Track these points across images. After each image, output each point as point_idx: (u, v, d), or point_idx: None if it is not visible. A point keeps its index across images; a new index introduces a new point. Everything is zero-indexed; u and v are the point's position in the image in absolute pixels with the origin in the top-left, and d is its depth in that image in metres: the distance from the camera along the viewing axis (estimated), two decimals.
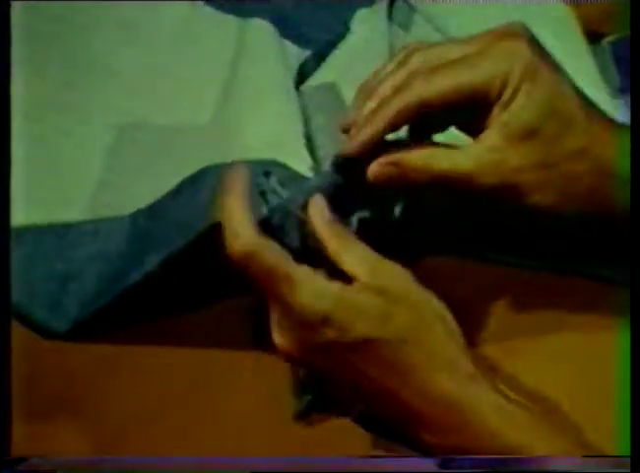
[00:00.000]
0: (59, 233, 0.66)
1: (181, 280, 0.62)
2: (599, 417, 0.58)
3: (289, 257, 0.53)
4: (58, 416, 0.58)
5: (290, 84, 0.73)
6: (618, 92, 0.78)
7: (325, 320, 0.52)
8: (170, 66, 0.78)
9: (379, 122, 0.54)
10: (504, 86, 0.53)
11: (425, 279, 0.55)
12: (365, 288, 0.53)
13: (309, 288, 0.52)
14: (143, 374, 0.61)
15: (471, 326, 0.62)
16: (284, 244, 0.54)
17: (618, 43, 0.82)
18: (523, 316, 0.65)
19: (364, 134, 0.55)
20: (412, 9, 0.86)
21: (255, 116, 0.69)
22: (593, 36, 0.82)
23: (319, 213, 0.56)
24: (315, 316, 0.52)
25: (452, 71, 0.54)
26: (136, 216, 0.65)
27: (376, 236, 0.56)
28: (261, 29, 0.77)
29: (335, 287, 0.53)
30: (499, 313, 0.65)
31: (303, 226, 0.56)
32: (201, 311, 0.64)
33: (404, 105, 0.54)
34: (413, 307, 0.53)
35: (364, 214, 0.58)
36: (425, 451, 0.54)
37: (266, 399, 0.59)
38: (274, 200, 0.56)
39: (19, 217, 0.64)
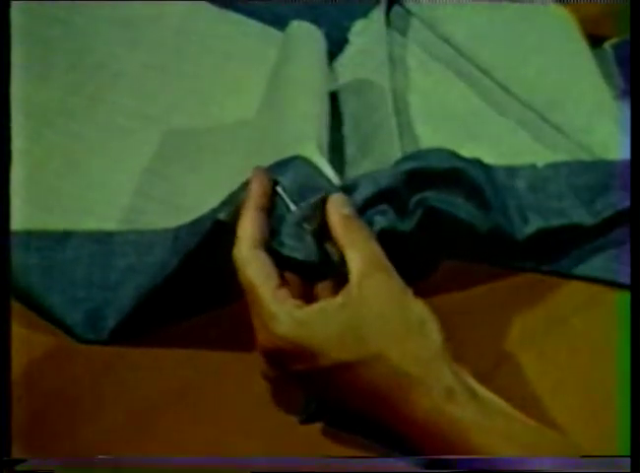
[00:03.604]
0: (102, 240, 0.66)
1: (195, 283, 0.62)
2: (599, 417, 0.58)
3: (273, 276, 0.53)
4: (58, 416, 0.58)
5: (324, 86, 0.73)
6: (622, 94, 0.78)
7: (294, 349, 0.52)
8: (175, 66, 0.78)
9: None
10: None
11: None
12: (343, 307, 0.53)
13: (275, 313, 0.52)
14: (143, 375, 0.61)
15: (468, 329, 0.62)
16: (284, 256, 0.55)
17: (621, 46, 0.82)
18: (523, 318, 0.65)
19: None
20: (409, 13, 0.86)
21: (286, 116, 0.69)
22: (595, 40, 0.83)
23: (337, 208, 0.56)
24: (283, 343, 0.52)
25: None
26: (179, 230, 0.64)
27: (393, 246, 0.56)
28: (307, 31, 0.77)
29: (304, 315, 0.52)
30: (499, 315, 0.65)
31: (309, 237, 0.56)
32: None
33: None
34: (389, 321, 0.52)
35: (384, 223, 0.59)
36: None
37: (266, 399, 0.59)
38: (280, 210, 0.57)
39: (21, 221, 0.64)
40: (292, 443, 0.57)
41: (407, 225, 0.61)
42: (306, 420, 0.58)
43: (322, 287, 0.56)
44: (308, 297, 0.55)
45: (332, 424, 0.58)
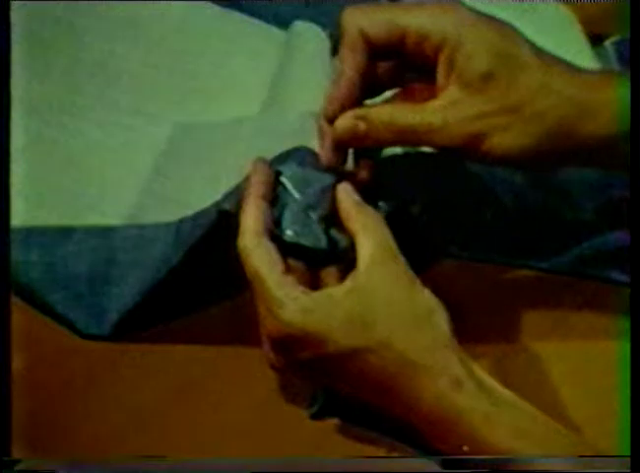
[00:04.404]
0: (103, 235, 0.66)
1: (199, 275, 0.62)
2: (599, 416, 0.58)
3: (278, 263, 0.53)
4: (59, 415, 0.58)
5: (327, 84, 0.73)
6: None
7: (301, 335, 0.52)
8: (175, 64, 0.78)
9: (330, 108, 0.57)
10: (442, 39, 0.54)
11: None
12: (350, 293, 0.53)
13: (282, 300, 0.52)
14: (143, 374, 0.61)
15: (471, 327, 0.62)
16: (289, 243, 0.55)
17: (621, 44, 0.82)
18: (524, 317, 0.65)
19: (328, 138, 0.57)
20: None
21: (289, 112, 0.69)
22: (595, 38, 0.83)
23: (347, 195, 0.56)
24: (291, 330, 0.52)
25: (387, 9, 0.56)
26: (181, 223, 0.65)
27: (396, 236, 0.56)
28: (310, 31, 0.77)
29: (311, 301, 0.52)
30: (501, 314, 0.65)
31: (315, 224, 0.56)
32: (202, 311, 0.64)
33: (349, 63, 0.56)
34: (396, 309, 0.53)
35: (386, 208, 0.59)
36: (428, 451, 0.54)
37: (266, 399, 0.59)
38: (285, 199, 0.57)
39: (21, 217, 0.64)
40: (294, 443, 0.57)
41: (412, 211, 0.61)
42: (316, 415, 0.58)
43: (327, 273, 0.57)
44: (313, 284, 0.55)
45: (340, 416, 0.58)
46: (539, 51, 0.55)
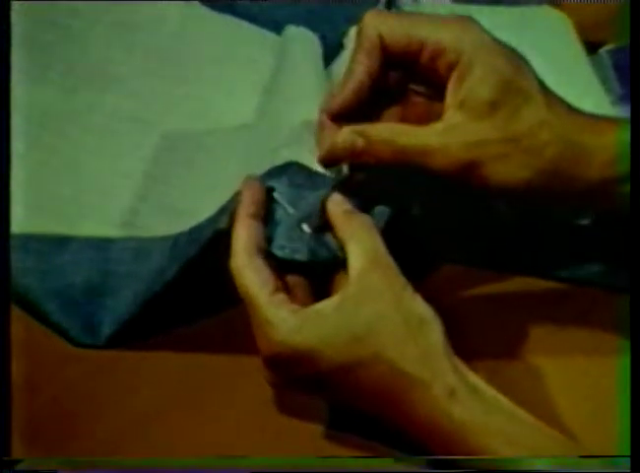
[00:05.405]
0: (101, 246, 0.66)
1: (194, 289, 0.62)
2: (596, 426, 0.58)
3: (268, 283, 0.53)
4: (58, 419, 0.58)
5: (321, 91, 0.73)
6: (618, 100, 0.79)
7: (293, 354, 0.52)
8: (172, 69, 0.78)
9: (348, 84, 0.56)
10: (458, 57, 0.55)
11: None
12: (339, 307, 0.52)
13: (272, 320, 0.52)
14: (143, 376, 0.61)
15: (468, 334, 0.62)
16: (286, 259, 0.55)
17: (617, 52, 0.82)
18: (521, 325, 0.65)
19: (339, 95, 0.57)
20: None
21: (282, 120, 0.69)
22: (591, 46, 0.83)
23: (337, 205, 0.56)
24: (283, 349, 0.52)
25: (408, 18, 0.56)
26: (178, 238, 0.65)
27: (393, 242, 0.56)
28: (303, 36, 0.77)
29: (299, 320, 0.52)
30: (497, 322, 0.65)
31: (310, 238, 0.56)
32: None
33: (365, 48, 0.56)
34: (387, 321, 0.52)
35: (385, 212, 0.58)
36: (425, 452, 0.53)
37: (266, 400, 0.59)
38: (279, 214, 0.57)
39: (19, 224, 0.64)
40: (293, 446, 0.57)
41: (411, 214, 0.61)
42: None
43: (340, 277, 0.56)
44: (321, 293, 0.55)
45: (335, 426, 0.58)
46: (545, 89, 0.56)
